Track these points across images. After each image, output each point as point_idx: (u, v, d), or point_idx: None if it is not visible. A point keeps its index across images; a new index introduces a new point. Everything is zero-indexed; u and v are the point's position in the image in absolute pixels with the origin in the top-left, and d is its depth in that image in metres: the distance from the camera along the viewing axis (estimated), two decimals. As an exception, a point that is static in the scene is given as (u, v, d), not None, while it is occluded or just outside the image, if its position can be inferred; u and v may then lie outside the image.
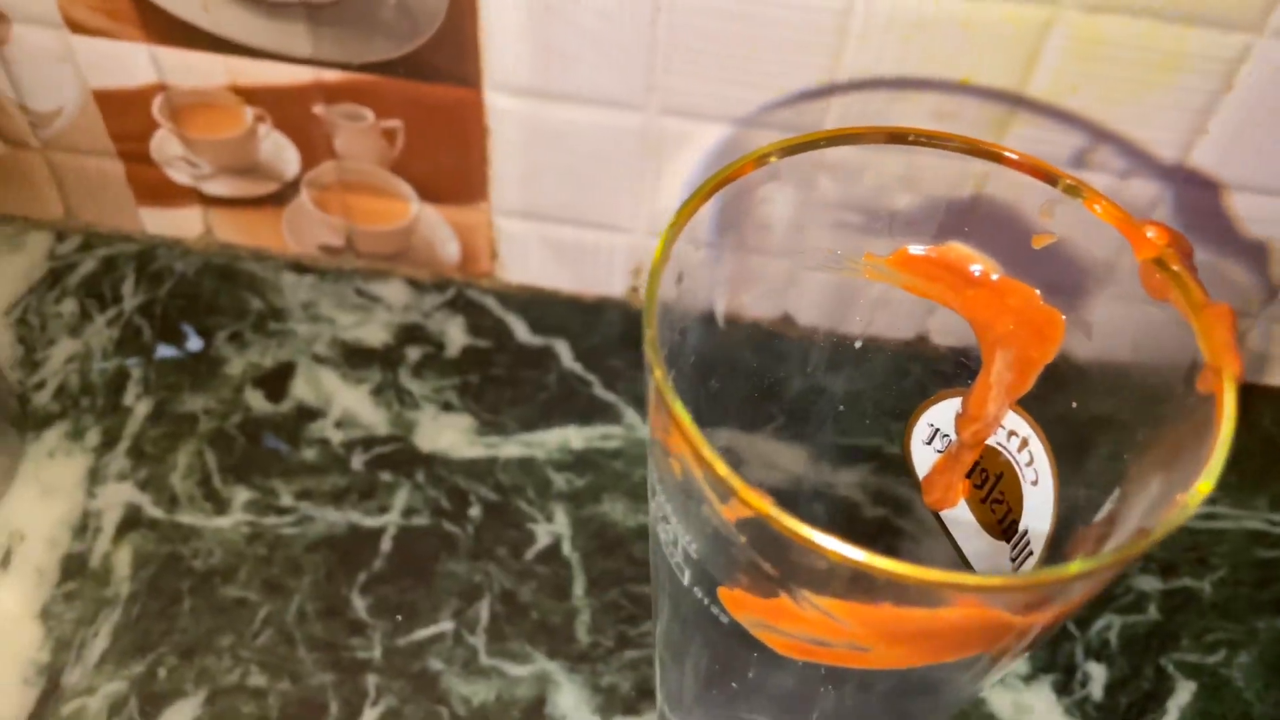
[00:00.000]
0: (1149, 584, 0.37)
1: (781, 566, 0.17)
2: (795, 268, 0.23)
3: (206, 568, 0.36)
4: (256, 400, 0.40)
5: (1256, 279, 0.37)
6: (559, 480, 0.39)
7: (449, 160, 0.39)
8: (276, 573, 0.36)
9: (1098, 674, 0.35)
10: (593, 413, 0.41)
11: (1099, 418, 0.19)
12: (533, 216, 0.41)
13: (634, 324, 0.43)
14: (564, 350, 0.42)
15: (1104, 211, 0.20)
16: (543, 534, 0.38)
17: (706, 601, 0.19)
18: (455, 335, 0.43)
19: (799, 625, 0.17)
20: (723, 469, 0.16)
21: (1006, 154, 0.20)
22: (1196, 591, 0.37)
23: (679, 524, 0.18)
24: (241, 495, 0.38)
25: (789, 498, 0.34)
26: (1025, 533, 0.21)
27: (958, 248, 0.21)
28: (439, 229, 0.42)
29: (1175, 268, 0.19)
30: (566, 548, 0.37)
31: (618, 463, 0.39)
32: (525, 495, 0.39)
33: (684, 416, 0.16)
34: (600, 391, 0.41)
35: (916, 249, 0.21)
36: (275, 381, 0.41)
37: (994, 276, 0.21)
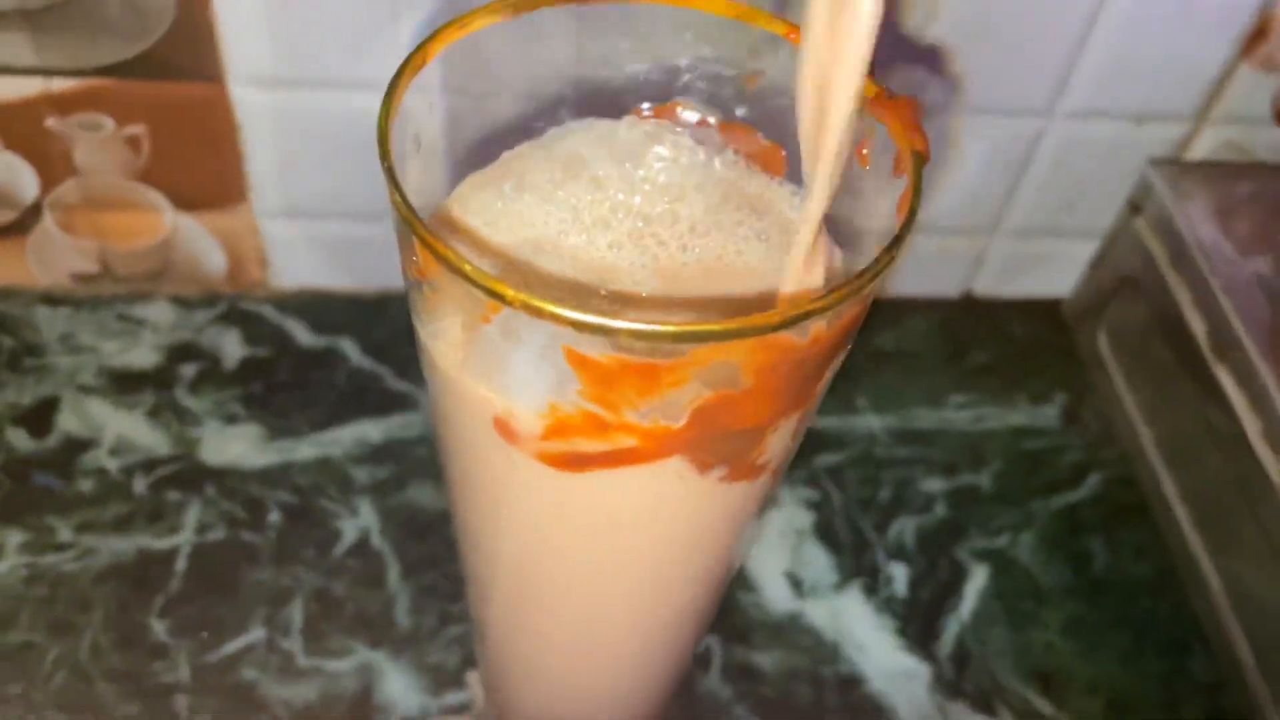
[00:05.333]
0: (935, 485, 0.40)
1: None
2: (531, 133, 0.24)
3: (-19, 618, 0.33)
4: (19, 439, 0.38)
5: (937, 78, 0.39)
6: (360, 474, 0.38)
7: (202, 163, 0.38)
8: (62, 611, 0.34)
9: (899, 573, 0.37)
10: (388, 404, 0.40)
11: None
12: (299, 214, 0.40)
13: (419, 315, 0.43)
14: (350, 348, 0.41)
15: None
16: (350, 529, 0.37)
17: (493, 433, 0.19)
18: (231, 348, 0.41)
19: (573, 434, 0.18)
20: (475, 271, 0.16)
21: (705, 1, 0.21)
22: (977, 486, 0.40)
23: (448, 334, 0.19)
24: (14, 538, 0.35)
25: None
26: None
27: (683, 103, 0.22)
28: (201, 240, 0.41)
29: None
30: (376, 539, 0.37)
31: (420, 449, 0.39)
32: (327, 494, 0.37)
33: (422, 228, 0.17)
34: (394, 382, 0.41)
35: (646, 109, 0.22)
36: (37, 418, 0.38)
37: (711, 120, 0.23)
